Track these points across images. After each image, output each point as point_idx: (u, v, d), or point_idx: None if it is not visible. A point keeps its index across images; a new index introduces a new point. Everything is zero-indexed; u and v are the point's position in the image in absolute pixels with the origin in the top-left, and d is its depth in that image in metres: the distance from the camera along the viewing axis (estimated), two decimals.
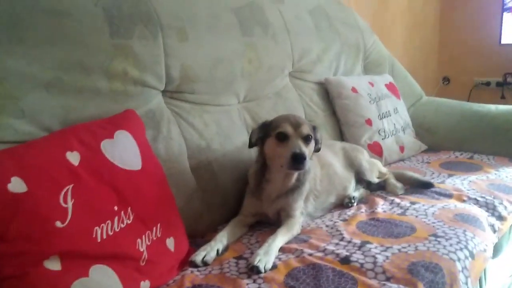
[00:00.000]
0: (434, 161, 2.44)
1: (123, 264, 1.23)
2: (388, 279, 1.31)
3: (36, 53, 1.34)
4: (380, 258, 1.40)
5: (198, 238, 1.64)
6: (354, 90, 2.49)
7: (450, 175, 2.18)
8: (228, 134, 1.87)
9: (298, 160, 1.52)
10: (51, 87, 1.35)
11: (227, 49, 1.94)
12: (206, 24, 1.87)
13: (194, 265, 1.43)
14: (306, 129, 1.62)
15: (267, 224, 1.72)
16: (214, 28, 1.90)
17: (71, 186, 1.16)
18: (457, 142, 2.62)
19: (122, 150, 1.34)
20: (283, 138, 1.58)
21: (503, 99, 4.65)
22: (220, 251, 1.50)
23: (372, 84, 2.59)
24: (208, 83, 1.85)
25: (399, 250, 1.45)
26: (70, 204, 1.15)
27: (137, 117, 1.50)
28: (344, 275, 1.32)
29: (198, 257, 1.44)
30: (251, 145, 1.69)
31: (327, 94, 2.50)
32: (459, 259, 1.43)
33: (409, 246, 1.48)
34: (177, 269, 1.41)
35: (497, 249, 1.84)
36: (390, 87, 2.70)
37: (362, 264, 1.37)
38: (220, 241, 1.53)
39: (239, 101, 2.01)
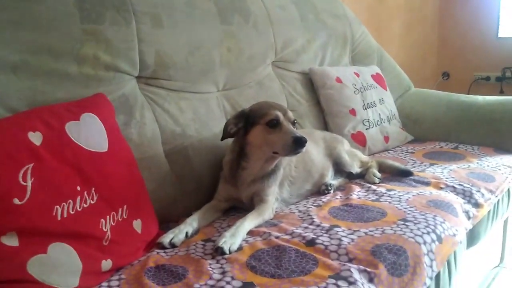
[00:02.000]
0: (418, 151, 2.43)
1: (84, 243, 1.24)
2: (350, 260, 1.32)
3: (3, 36, 1.36)
4: (345, 241, 1.40)
5: (172, 222, 1.65)
6: (338, 80, 2.49)
7: (431, 164, 2.18)
8: (205, 121, 1.88)
9: (301, 144, 1.53)
10: (18, 70, 1.37)
11: (204, 37, 1.95)
12: (182, 11, 1.88)
13: (161, 246, 1.44)
14: (292, 115, 1.66)
15: (242, 210, 1.72)
16: (191, 15, 1.91)
17: (31, 165, 1.18)
18: (444, 133, 2.61)
19: (88, 132, 1.36)
20: (274, 125, 1.58)
21: (501, 94, 4.62)
22: (189, 234, 1.52)
23: (357, 75, 2.59)
24: (185, 70, 1.86)
25: (365, 233, 1.46)
26: (29, 182, 1.16)
27: (107, 101, 1.51)
28: (307, 256, 1.33)
29: (166, 239, 1.45)
30: (227, 136, 1.67)
31: (312, 84, 2.51)
32: (425, 242, 1.43)
33: (376, 229, 1.48)
34: (143, 251, 1.42)
35: (473, 237, 1.84)
36: (376, 78, 2.69)
37: (326, 246, 1.38)
38: (190, 224, 1.55)
39: (218, 89, 2.02)
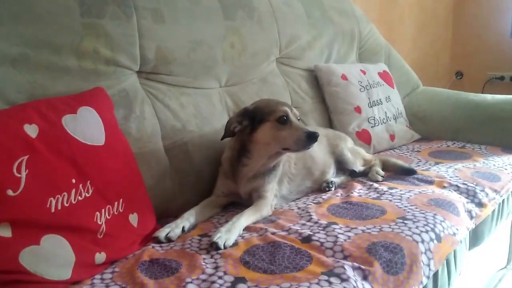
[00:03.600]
0: (424, 150, 2.40)
1: (78, 235, 1.24)
2: (345, 257, 1.31)
3: (2, 29, 1.37)
4: (341, 238, 1.39)
5: (171, 217, 1.65)
6: (344, 77, 2.46)
7: (436, 163, 2.15)
8: (206, 116, 1.88)
9: (314, 139, 1.53)
10: (17, 63, 1.38)
11: (207, 33, 1.94)
12: (184, 7, 1.88)
13: (157, 241, 1.44)
14: (296, 111, 1.66)
15: (241, 205, 1.72)
16: (193, 11, 1.91)
17: (26, 157, 1.18)
18: (451, 132, 2.57)
19: (85, 126, 1.36)
20: (284, 121, 1.58)
21: None
22: (186, 229, 1.52)
23: (364, 72, 2.57)
24: (186, 65, 1.86)
25: (362, 231, 1.44)
26: (24, 174, 1.17)
27: (105, 95, 1.52)
28: (301, 253, 1.32)
29: (162, 233, 1.46)
30: (229, 135, 1.66)
31: (317, 81, 2.49)
32: (422, 241, 1.41)
33: (374, 227, 1.46)
34: (139, 244, 1.42)
35: (477, 237, 1.81)
36: (383, 75, 2.66)
37: (322, 243, 1.37)
38: (187, 219, 1.55)
39: (220, 85, 2.02)
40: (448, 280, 1.51)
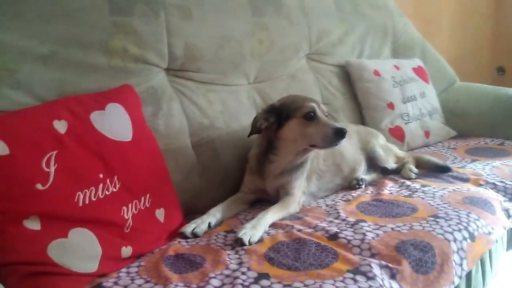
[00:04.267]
0: (460, 147, 2.32)
1: (105, 229, 1.27)
2: (373, 255, 1.27)
3: (34, 27, 1.41)
4: (369, 236, 1.36)
5: (198, 213, 1.65)
6: (376, 73, 2.41)
7: (473, 161, 2.07)
8: (234, 113, 1.88)
9: (342, 135, 1.51)
10: (48, 61, 1.42)
11: (235, 29, 1.94)
12: (212, 3, 1.88)
13: (183, 236, 1.45)
14: (324, 107, 1.64)
15: (268, 202, 1.70)
16: (221, 7, 1.91)
17: (55, 152, 1.22)
18: (489, 128, 2.47)
19: (113, 122, 1.39)
20: (311, 117, 1.55)
21: None
22: (212, 225, 1.52)
23: (397, 68, 2.50)
24: (214, 62, 1.86)
25: (392, 229, 1.40)
26: (52, 168, 1.20)
27: (134, 92, 1.54)
28: (327, 250, 1.29)
29: (188, 228, 1.46)
30: (256, 132, 1.64)
31: (349, 77, 2.44)
32: (455, 240, 1.36)
33: (404, 225, 1.42)
34: (165, 239, 1.44)
35: None
36: (418, 71, 2.59)
37: (349, 241, 1.34)
38: (213, 215, 1.55)
39: (249, 82, 2.01)
40: (483, 281, 1.45)
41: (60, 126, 1.27)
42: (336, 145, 1.54)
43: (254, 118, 1.63)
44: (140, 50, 1.63)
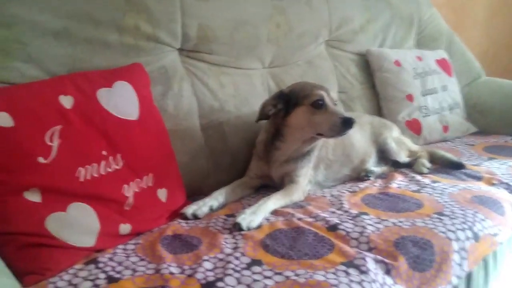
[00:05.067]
0: (479, 144, 2.25)
1: (105, 205, 1.28)
2: (370, 249, 1.26)
3: (46, 2, 1.43)
4: (369, 229, 1.34)
5: (203, 196, 1.65)
6: (397, 63, 2.35)
7: (490, 159, 2.01)
8: (246, 97, 1.86)
9: (350, 125, 1.47)
10: (59, 36, 1.43)
11: (251, 12, 1.91)
12: None
13: (184, 217, 1.46)
14: (334, 95, 1.60)
15: (274, 189, 1.69)
16: None
17: (59, 127, 1.23)
18: (511, 126, 2.38)
19: (119, 100, 1.39)
20: (320, 105, 1.53)
21: None
22: (214, 208, 1.52)
23: (420, 59, 2.43)
24: (229, 45, 1.84)
25: (394, 223, 1.38)
26: (55, 143, 1.22)
27: (143, 71, 1.54)
28: (324, 241, 1.28)
29: (189, 210, 1.47)
30: (263, 118, 1.63)
31: (368, 66, 2.39)
32: (457, 239, 1.33)
33: (406, 221, 1.39)
34: (166, 219, 1.45)
35: None
36: (441, 63, 2.51)
37: (348, 233, 1.32)
38: (216, 198, 1.55)
39: (264, 66, 1.99)
40: (485, 283, 1.41)
41: (66, 101, 1.28)
42: (344, 134, 1.50)
43: (262, 104, 1.62)
44: (152, 28, 1.62)
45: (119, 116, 1.37)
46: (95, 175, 1.28)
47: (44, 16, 1.41)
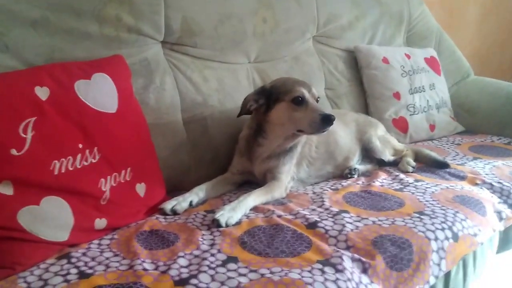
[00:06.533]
0: (465, 143, 2.25)
1: (80, 199, 1.26)
2: (348, 247, 1.24)
3: None
4: (348, 227, 1.32)
5: (184, 191, 1.63)
6: (385, 60, 2.34)
7: (474, 158, 2.00)
8: (230, 92, 1.84)
9: (329, 122, 1.46)
10: (38, 26, 1.40)
11: (237, 5, 1.89)
12: None
13: (163, 212, 1.44)
14: (316, 92, 1.58)
15: (256, 185, 1.67)
16: None
17: (33, 118, 1.20)
18: (498, 126, 2.38)
19: (97, 92, 1.36)
20: (300, 102, 1.51)
21: None
22: (194, 203, 1.50)
23: (408, 56, 2.42)
24: (213, 39, 1.82)
25: (373, 222, 1.37)
26: (29, 135, 1.19)
27: (123, 63, 1.51)
28: (302, 238, 1.27)
29: (168, 205, 1.45)
30: (245, 112, 1.62)
31: (356, 63, 2.38)
32: (436, 239, 1.32)
33: (386, 219, 1.38)
34: (144, 214, 1.43)
35: (508, 240, 1.68)
36: (430, 61, 2.50)
37: (327, 231, 1.31)
38: (196, 193, 1.53)
39: (249, 61, 1.97)
40: (463, 283, 1.41)
41: (42, 92, 1.25)
42: (324, 131, 1.49)
43: (245, 99, 1.60)
44: (134, 20, 1.60)
45: (97, 109, 1.35)
46: (71, 168, 1.25)
47: (23, 5, 1.38)
